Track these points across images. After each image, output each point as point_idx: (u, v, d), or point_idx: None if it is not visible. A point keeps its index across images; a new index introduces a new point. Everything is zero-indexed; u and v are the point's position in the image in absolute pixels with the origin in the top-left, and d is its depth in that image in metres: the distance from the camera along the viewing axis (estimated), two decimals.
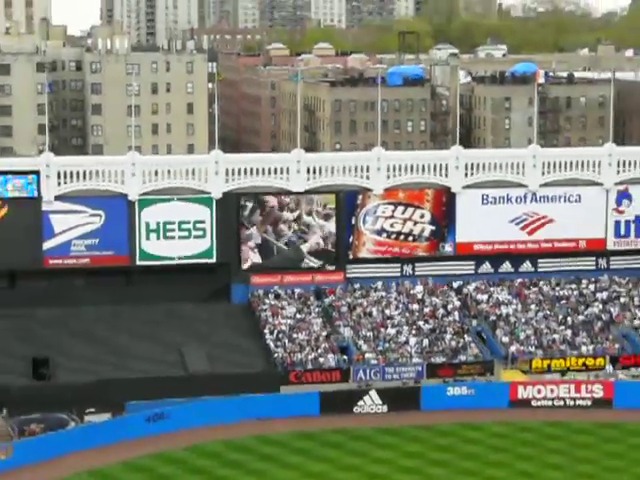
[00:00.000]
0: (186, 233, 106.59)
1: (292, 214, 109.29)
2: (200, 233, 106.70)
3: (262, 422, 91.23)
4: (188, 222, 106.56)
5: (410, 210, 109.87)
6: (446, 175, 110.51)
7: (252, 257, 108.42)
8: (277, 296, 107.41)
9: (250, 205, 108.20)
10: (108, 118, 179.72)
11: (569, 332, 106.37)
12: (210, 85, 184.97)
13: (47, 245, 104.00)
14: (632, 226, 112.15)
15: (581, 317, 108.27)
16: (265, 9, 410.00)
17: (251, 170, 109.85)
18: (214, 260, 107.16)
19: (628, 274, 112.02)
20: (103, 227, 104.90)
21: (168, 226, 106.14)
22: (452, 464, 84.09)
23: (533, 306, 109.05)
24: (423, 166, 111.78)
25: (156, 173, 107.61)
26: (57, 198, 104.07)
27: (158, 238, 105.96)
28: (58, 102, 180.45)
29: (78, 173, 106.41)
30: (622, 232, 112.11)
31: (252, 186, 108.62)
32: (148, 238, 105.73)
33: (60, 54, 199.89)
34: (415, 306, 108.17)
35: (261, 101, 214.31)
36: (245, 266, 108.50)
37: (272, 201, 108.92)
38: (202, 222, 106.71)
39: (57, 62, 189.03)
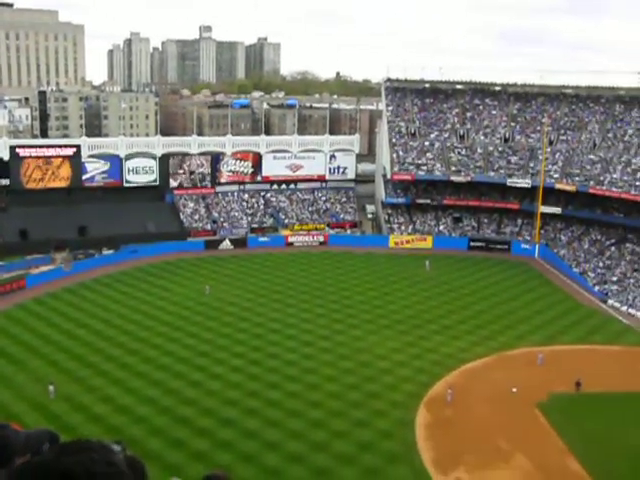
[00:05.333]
0: (146, 171, 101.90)
1: (192, 163, 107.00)
2: (152, 172, 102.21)
3: (180, 253, 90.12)
4: (147, 166, 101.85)
5: (243, 162, 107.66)
6: (258, 147, 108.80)
7: (172, 183, 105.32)
8: (185, 199, 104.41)
9: (174, 160, 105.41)
10: (110, 122, 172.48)
11: (311, 215, 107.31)
12: (155, 107, 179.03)
13: (84, 177, 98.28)
14: (336, 170, 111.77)
15: (315, 208, 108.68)
16: (180, 74, 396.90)
17: (173, 144, 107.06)
18: (157, 183, 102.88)
19: (335, 191, 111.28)
20: (109, 169, 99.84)
21: (138, 168, 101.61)
22: (254, 266, 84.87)
23: (295, 203, 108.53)
24: (248, 143, 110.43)
25: (132, 145, 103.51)
26: (89, 156, 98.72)
27: (134, 174, 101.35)
28: (89, 114, 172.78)
29: (96, 145, 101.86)
30: (332, 172, 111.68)
31: (174, 151, 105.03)
32: (128, 174, 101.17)
33: (89, 93, 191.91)
34: (245, 203, 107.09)
35: (177, 115, 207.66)
36: (171, 186, 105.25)
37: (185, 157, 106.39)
38: (152, 167, 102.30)
39: (88, 97, 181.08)
